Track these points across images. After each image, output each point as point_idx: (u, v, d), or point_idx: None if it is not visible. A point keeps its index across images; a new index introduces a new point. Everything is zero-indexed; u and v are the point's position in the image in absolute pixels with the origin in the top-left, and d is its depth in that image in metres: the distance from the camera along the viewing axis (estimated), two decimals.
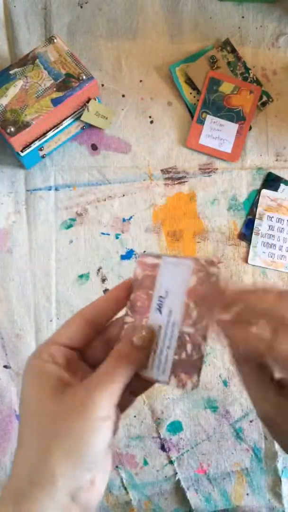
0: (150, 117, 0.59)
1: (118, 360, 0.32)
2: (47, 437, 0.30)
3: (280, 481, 0.57)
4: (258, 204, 0.58)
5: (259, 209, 0.58)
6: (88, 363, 0.35)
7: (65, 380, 0.32)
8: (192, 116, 0.59)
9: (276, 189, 0.58)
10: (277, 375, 0.31)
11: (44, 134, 0.53)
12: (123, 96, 0.59)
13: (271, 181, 0.58)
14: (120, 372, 0.31)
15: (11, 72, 0.51)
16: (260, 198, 0.58)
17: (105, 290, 0.57)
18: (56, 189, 0.58)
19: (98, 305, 0.36)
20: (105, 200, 0.58)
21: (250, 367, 0.31)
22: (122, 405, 0.34)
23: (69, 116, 0.54)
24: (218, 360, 0.57)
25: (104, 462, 0.32)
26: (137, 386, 0.35)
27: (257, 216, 0.58)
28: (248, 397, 0.33)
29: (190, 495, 0.57)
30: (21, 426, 0.32)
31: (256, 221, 0.58)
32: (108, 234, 0.58)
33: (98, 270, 0.57)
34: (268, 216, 0.58)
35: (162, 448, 0.57)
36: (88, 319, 0.35)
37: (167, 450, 0.57)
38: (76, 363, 0.34)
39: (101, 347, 0.35)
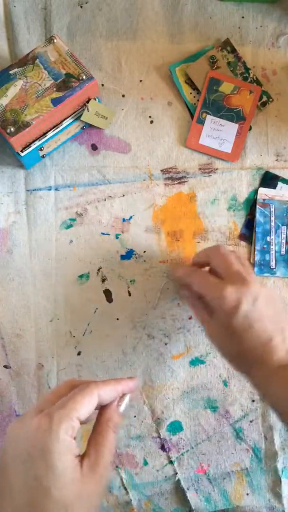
0: (150, 117, 0.59)
1: (108, 425, 0.39)
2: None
3: (280, 481, 0.57)
4: (256, 202, 0.58)
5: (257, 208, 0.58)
6: None
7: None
8: (192, 116, 0.59)
9: (274, 188, 0.58)
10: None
11: (44, 134, 0.53)
12: (123, 96, 0.59)
13: (269, 180, 0.58)
14: (111, 437, 0.38)
15: (11, 72, 0.51)
16: (258, 196, 0.58)
17: (105, 290, 0.57)
18: (56, 189, 0.58)
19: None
20: (105, 200, 0.58)
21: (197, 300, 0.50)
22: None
23: (69, 116, 0.54)
24: (218, 360, 0.57)
25: None
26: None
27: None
28: (197, 318, 0.51)
29: (190, 495, 0.57)
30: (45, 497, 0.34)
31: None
32: (108, 234, 0.58)
33: (98, 270, 0.57)
34: None
35: (162, 448, 0.57)
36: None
37: (167, 450, 0.57)
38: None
39: None
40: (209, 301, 0.47)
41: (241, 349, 0.46)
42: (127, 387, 0.41)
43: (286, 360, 0.44)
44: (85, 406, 0.36)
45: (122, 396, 0.41)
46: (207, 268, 0.52)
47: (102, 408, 0.40)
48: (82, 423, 0.37)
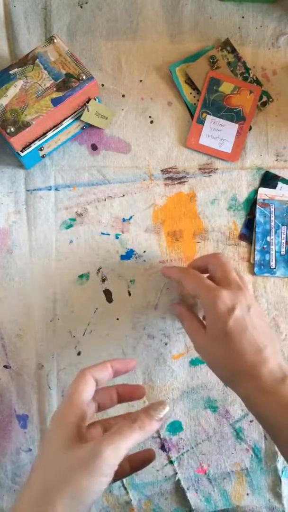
0: (150, 117, 0.59)
1: (133, 426, 0.37)
2: (54, 483, 0.35)
3: (280, 481, 0.57)
4: (256, 202, 0.58)
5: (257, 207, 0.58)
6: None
7: (82, 433, 0.38)
8: (192, 116, 0.59)
9: (274, 188, 0.58)
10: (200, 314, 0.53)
11: (44, 134, 0.53)
12: (123, 96, 0.59)
13: (269, 180, 0.58)
14: (131, 436, 0.36)
15: (11, 72, 0.51)
16: (258, 196, 0.58)
17: (105, 290, 0.57)
18: (56, 189, 0.58)
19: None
20: (105, 200, 0.58)
21: (188, 308, 0.53)
22: (120, 473, 0.41)
23: (69, 116, 0.54)
24: None
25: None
26: (137, 461, 0.45)
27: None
28: (186, 331, 0.51)
29: (190, 495, 0.57)
30: (35, 464, 0.38)
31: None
32: (108, 234, 0.58)
33: (98, 270, 0.57)
34: None
35: (162, 448, 0.57)
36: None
37: (167, 450, 0.57)
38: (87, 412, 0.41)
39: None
40: (202, 302, 0.47)
41: (234, 353, 0.45)
42: (118, 363, 0.44)
43: (277, 374, 0.44)
44: (84, 388, 0.41)
45: (159, 402, 0.40)
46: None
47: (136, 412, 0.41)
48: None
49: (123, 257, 0.58)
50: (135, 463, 0.45)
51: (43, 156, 0.56)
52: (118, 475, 0.39)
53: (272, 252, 0.57)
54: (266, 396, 0.43)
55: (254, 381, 0.44)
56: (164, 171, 0.58)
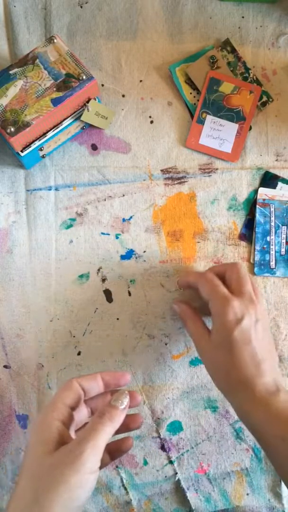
0: (150, 117, 0.59)
1: (103, 420, 0.39)
2: (44, 487, 0.36)
3: (280, 481, 0.57)
4: (256, 202, 0.58)
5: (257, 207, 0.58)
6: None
7: (65, 436, 0.39)
8: (192, 116, 0.59)
9: (274, 188, 0.58)
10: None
11: (44, 134, 0.53)
12: (123, 96, 0.59)
13: (269, 180, 0.58)
14: (105, 430, 0.39)
15: (11, 72, 0.51)
16: (258, 196, 0.58)
17: (105, 290, 0.57)
18: (56, 189, 0.58)
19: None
20: (105, 200, 0.58)
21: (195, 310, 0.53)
22: (101, 464, 0.41)
23: (69, 116, 0.54)
24: None
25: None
26: (114, 450, 0.46)
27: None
28: (189, 331, 0.52)
29: (190, 495, 0.57)
30: (21, 472, 0.39)
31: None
32: (108, 234, 0.58)
33: (98, 270, 0.57)
34: None
35: (162, 448, 0.57)
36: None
37: (167, 450, 0.57)
38: (72, 418, 0.42)
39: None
40: (212, 307, 0.48)
41: (234, 363, 0.46)
42: (108, 376, 0.45)
43: (271, 387, 0.45)
44: (68, 394, 0.42)
45: (120, 392, 0.42)
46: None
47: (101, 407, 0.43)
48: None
49: (123, 257, 0.58)
50: (113, 452, 0.46)
51: (43, 156, 0.56)
52: (100, 466, 0.41)
53: (272, 252, 0.57)
54: (258, 406, 0.45)
55: (249, 391, 0.45)
56: (164, 171, 0.58)
